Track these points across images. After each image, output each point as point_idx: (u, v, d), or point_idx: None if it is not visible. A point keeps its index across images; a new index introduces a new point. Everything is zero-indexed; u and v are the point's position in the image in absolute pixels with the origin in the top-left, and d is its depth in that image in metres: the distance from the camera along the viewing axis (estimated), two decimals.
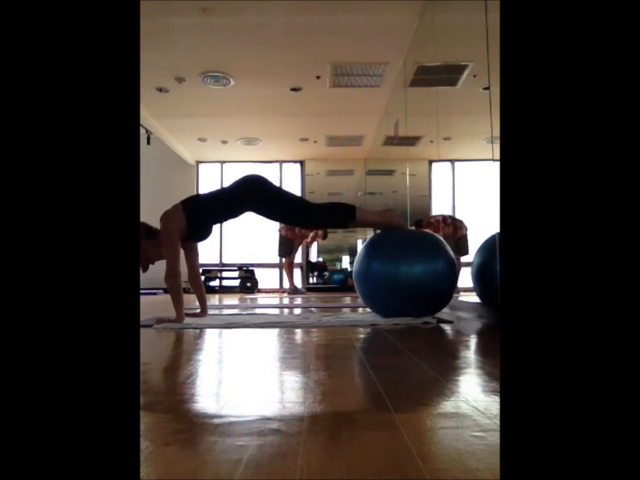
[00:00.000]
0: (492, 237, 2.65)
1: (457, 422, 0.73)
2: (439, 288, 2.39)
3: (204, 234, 2.53)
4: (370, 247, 2.51)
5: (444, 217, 5.38)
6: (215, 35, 4.23)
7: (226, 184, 2.53)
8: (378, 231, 2.70)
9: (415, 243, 2.45)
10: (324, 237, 6.97)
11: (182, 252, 2.44)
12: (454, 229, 5.26)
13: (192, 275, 2.66)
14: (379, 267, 2.39)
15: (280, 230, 6.70)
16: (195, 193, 2.52)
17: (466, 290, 5.85)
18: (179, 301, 2.32)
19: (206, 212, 2.44)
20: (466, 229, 5.29)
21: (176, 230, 2.34)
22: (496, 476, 0.52)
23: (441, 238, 2.59)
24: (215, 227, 2.64)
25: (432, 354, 1.43)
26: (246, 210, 2.46)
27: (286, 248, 6.70)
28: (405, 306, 2.36)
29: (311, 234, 6.77)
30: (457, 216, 5.67)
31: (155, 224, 2.43)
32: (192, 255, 2.62)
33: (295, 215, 2.50)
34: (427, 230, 5.63)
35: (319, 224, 2.64)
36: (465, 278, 5.81)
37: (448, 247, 2.50)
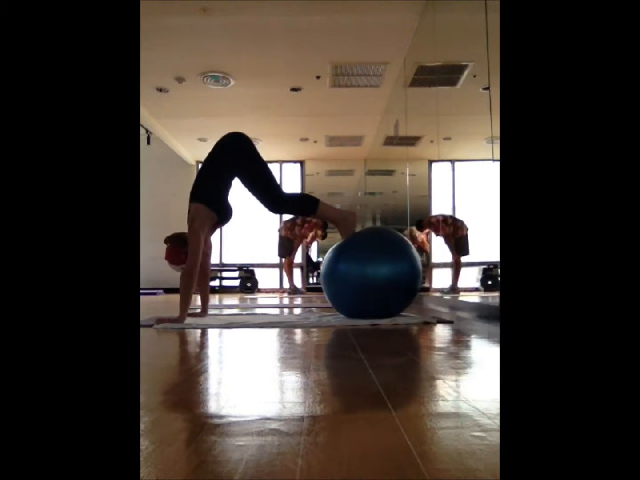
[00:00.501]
0: None
1: (457, 422, 0.72)
2: (404, 287, 2.44)
3: (228, 210, 2.54)
4: (337, 249, 2.54)
5: (444, 217, 5.39)
6: (215, 35, 4.23)
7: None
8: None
9: (381, 244, 2.49)
10: (323, 237, 6.97)
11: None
12: (455, 228, 5.27)
13: (202, 274, 2.66)
14: (345, 269, 2.43)
15: (279, 231, 6.70)
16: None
17: (466, 290, 5.86)
18: (186, 301, 2.32)
19: (215, 189, 2.45)
20: (467, 229, 5.29)
21: (201, 227, 2.36)
22: (496, 476, 0.52)
23: (404, 237, 2.62)
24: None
25: (432, 353, 1.43)
26: (235, 173, 2.47)
27: (285, 248, 6.70)
28: (371, 306, 2.39)
29: (311, 234, 6.76)
30: (458, 216, 5.67)
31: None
32: (206, 254, 2.63)
33: (270, 190, 2.49)
34: (427, 230, 5.63)
35: (285, 208, 2.67)
36: (465, 278, 5.83)
37: (412, 247, 2.55)
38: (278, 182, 2.59)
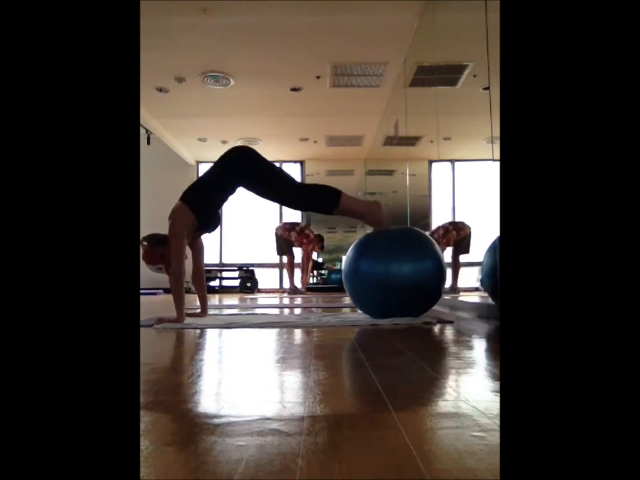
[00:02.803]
0: None
1: (457, 422, 0.72)
2: (428, 286, 2.39)
3: (214, 221, 2.53)
4: (359, 247, 2.50)
5: (446, 228, 5.36)
6: (215, 35, 4.23)
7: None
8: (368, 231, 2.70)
9: (404, 242, 2.44)
10: (322, 248, 7.00)
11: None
12: (457, 232, 5.27)
13: (196, 275, 2.66)
14: (368, 267, 2.39)
15: (276, 230, 6.71)
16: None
17: (466, 290, 5.86)
18: (180, 300, 2.32)
19: (206, 198, 2.44)
20: (469, 228, 5.29)
21: (182, 228, 2.34)
22: (496, 476, 0.52)
23: (429, 236, 2.58)
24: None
25: (432, 354, 1.43)
26: (239, 185, 2.45)
27: (282, 247, 6.71)
28: (395, 305, 2.35)
29: (309, 249, 6.78)
30: (458, 217, 5.66)
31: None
32: (198, 254, 2.62)
33: (285, 192, 2.46)
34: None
35: (305, 205, 2.62)
36: (466, 278, 5.83)
37: (436, 245, 2.50)
38: (294, 179, 2.53)
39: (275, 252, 6.86)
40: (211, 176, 2.47)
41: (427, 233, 5.49)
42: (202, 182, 2.49)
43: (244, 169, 2.42)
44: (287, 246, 6.71)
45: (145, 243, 2.45)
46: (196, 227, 2.43)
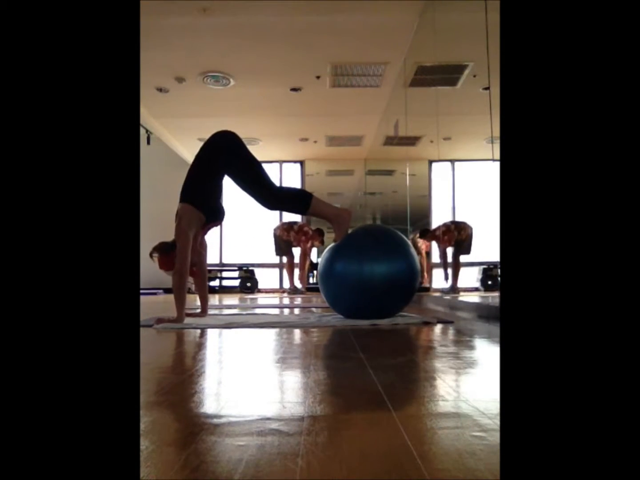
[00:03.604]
0: None
1: (457, 422, 0.72)
2: (402, 286, 2.41)
3: (219, 210, 2.52)
4: (333, 249, 2.52)
5: (447, 227, 5.35)
6: (215, 35, 4.23)
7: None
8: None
9: (378, 242, 2.46)
10: (322, 242, 6.98)
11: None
12: (458, 231, 5.27)
13: (198, 275, 2.66)
14: (342, 268, 2.41)
15: (274, 230, 6.70)
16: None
17: (466, 290, 5.86)
18: (181, 300, 2.32)
19: (203, 189, 2.43)
20: (471, 229, 5.29)
21: (187, 227, 2.34)
22: (496, 476, 0.52)
23: (403, 236, 2.59)
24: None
25: (432, 353, 1.43)
26: (225, 172, 2.45)
27: (281, 247, 6.69)
28: (368, 306, 2.37)
29: (308, 245, 6.76)
30: (458, 217, 5.67)
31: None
32: (202, 254, 2.62)
33: (263, 187, 2.46)
34: (431, 240, 5.60)
35: (279, 204, 2.63)
36: (465, 278, 5.83)
37: (410, 246, 2.52)
38: (271, 178, 2.53)
39: (275, 253, 6.84)
40: (197, 165, 2.45)
41: (429, 229, 5.51)
42: (192, 175, 2.46)
43: (225, 148, 2.42)
44: (286, 247, 6.70)
45: (156, 254, 2.45)
46: (204, 222, 2.43)
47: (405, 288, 2.44)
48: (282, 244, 6.66)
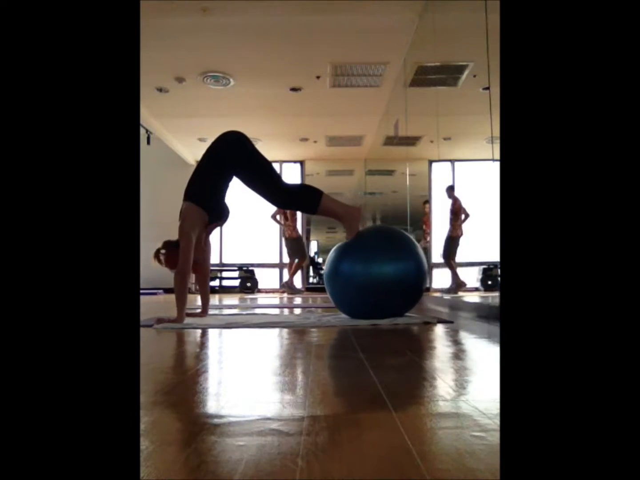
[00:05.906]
0: None
1: (457, 422, 0.72)
2: (409, 287, 2.40)
3: (224, 211, 2.52)
4: (340, 248, 2.50)
5: (465, 209, 5.60)
6: (215, 35, 4.23)
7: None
8: None
9: (386, 243, 2.45)
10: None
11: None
12: (466, 217, 5.46)
13: (201, 275, 2.65)
14: (348, 268, 2.40)
15: (284, 234, 6.66)
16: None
17: (466, 290, 5.87)
18: (182, 300, 2.31)
19: (209, 189, 2.42)
20: (462, 234, 5.42)
21: (191, 226, 2.34)
22: (496, 476, 0.52)
23: (411, 237, 2.58)
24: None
25: (432, 354, 1.43)
26: (233, 172, 2.44)
27: (293, 248, 6.61)
28: (375, 306, 2.36)
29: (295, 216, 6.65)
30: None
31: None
32: (205, 255, 2.61)
33: (273, 186, 2.46)
34: (453, 199, 5.81)
35: (289, 202, 2.63)
36: (465, 278, 5.84)
37: (419, 247, 2.51)
38: (280, 176, 2.53)
39: (294, 257, 6.72)
40: (204, 164, 2.44)
41: (449, 205, 5.70)
42: (199, 174, 2.45)
43: (233, 148, 2.42)
44: (298, 246, 6.62)
45: (163, 251, 2.44)
46: (208, 221, 2.42)
47: (413, 289, 2.42)
48: (294, 244, 6.58)
